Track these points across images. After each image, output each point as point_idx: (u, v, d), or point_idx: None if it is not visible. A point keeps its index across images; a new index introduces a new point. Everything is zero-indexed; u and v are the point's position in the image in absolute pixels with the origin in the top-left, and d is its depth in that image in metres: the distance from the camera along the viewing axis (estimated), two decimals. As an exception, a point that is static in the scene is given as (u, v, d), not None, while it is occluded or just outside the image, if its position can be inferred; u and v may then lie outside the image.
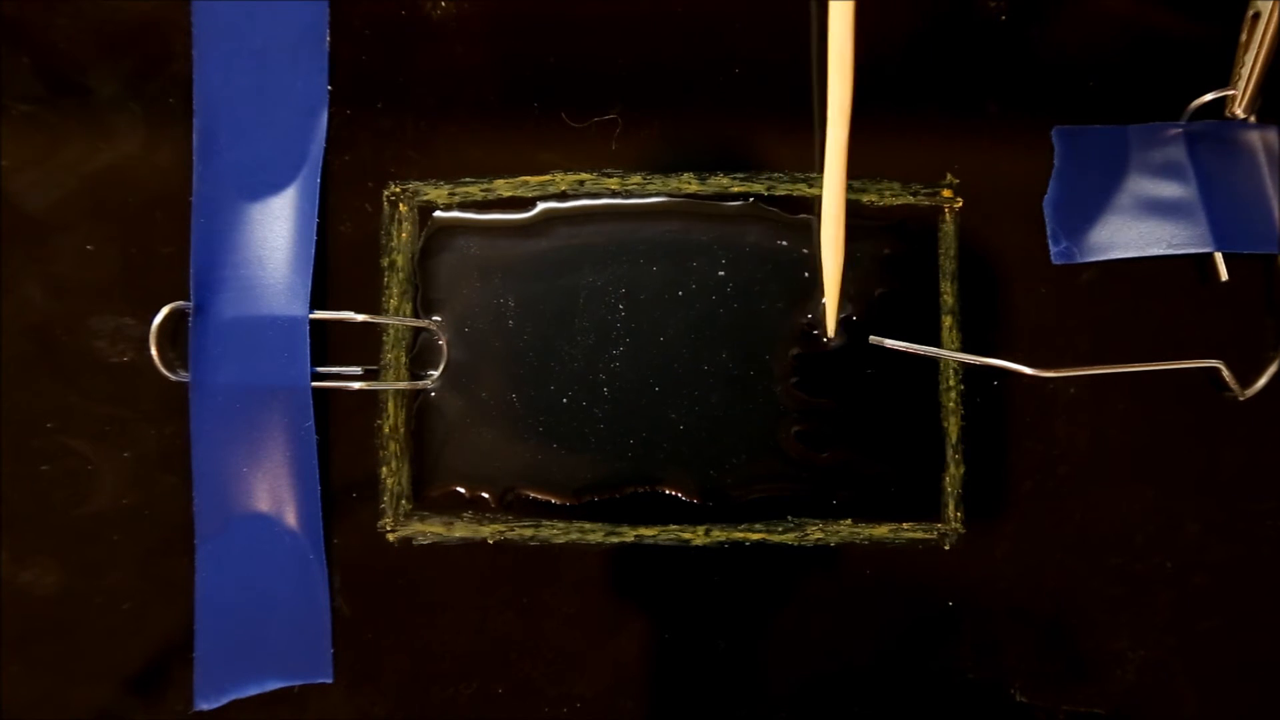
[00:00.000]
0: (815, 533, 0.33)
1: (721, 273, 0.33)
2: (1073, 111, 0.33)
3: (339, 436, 0.33)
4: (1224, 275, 0.32)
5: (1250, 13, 0.32)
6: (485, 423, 0.33)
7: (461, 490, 0.33)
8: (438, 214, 0.33)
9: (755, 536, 0.33)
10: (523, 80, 0.33)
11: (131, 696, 0.32)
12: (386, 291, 0.33)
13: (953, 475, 0.33)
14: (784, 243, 0.33)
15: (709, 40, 0.33)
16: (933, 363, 0.33)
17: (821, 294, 0.32)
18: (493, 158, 0.33)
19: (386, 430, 0.33)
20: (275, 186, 0.32)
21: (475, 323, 0.33)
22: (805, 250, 0.33)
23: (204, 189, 0.32)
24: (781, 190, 0.33)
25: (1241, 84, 0.32)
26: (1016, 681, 0.33)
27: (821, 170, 0.30)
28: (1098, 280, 0.33)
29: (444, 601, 0.33)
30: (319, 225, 0.32)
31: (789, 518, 0.33)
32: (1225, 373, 0.32)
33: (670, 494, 0.33)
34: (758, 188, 0.33)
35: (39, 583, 0.32)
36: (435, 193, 0.33)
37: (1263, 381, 0.32)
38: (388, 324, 0.33)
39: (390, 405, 0.33)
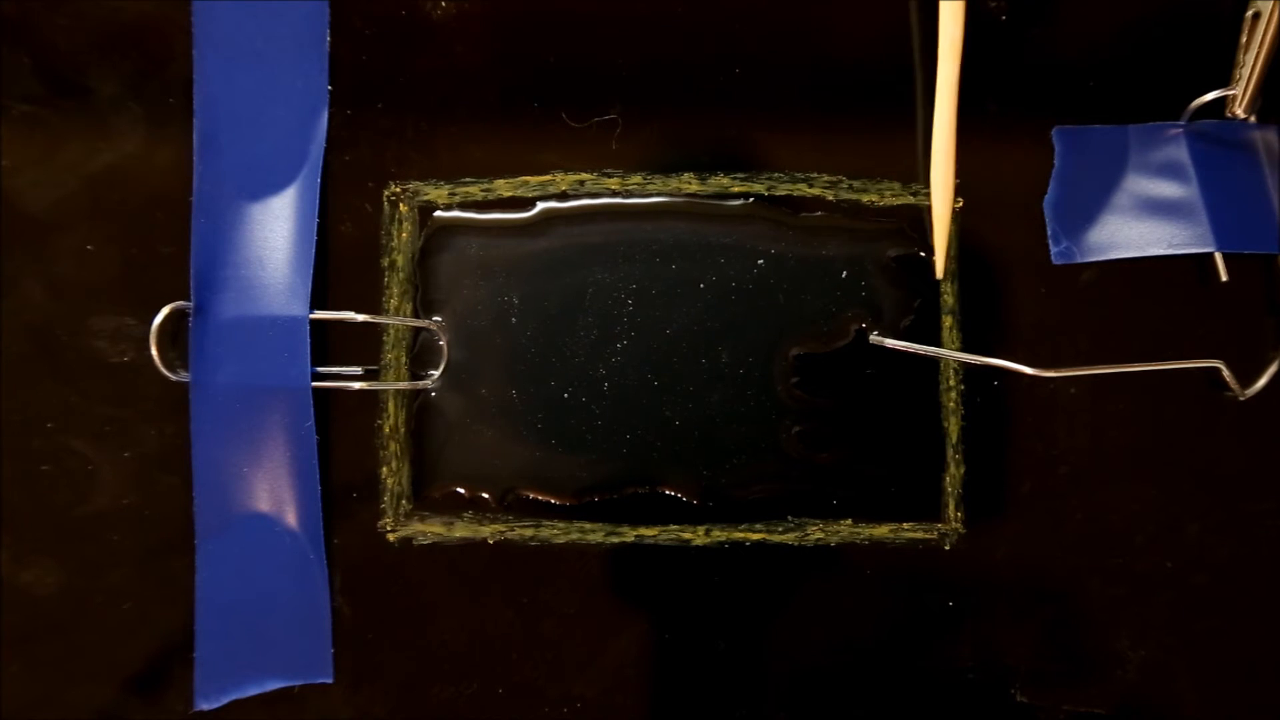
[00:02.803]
0: (815, 533, 0.33)
1: (721, 273, 0.33)
2: (1073, 111, 0.33)
3: (339, 436, 0.33)
4: (1224, 275, 0.32)
5: (1250, 13, 0.32)
6: (485, 423, 0.33)
7: (461, 490, 0.33)
8: (438, 214, 0.33)
9: (755, 536, 0.33)
10: (523, 80, 0.33)
11: (131, 696, 0.32)
12: (386, 291, 0.33)
13: (953, 475, 0.33)
14: (784, 242, 0.33)
15: (709, 40, 0.33)
16: (933, 363, 0.33)
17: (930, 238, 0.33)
18: (493, 158, 0.33)
19: (386, 430, 0.33)
20: (275, 186, 0.32)
21: (475, 323, 0.33)
22: (805, 249, 0.33)
23: (204, 189, 0.32)
24: (782, 190, 0.33)
25: (1241, 84, 0.32)
26: (1016, 681, 0.33)
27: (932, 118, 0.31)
28: (1098, 280, 0.33)
29: (444, 601, 0.33)
30: (319, 225, 0.32)
31: (789, 518, 0.33)
32: (1225, 373, 0.32)
33: (670, 494, 0.33)
34: (758, 188, 0.33)
35: (39, 583, 0.32)
36: (435, 193, 0.33)
37: (1263, 381, 0.32)
38: (388, 324, 0.33)
39: (390, 405, 0.33)
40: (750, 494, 0.33)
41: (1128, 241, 0.33)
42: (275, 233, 0.32)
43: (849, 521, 0.33)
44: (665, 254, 0.33)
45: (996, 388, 0.33)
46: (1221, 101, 0.33)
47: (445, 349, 0.33)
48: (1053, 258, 0.33)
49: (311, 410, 0.31)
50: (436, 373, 0.33)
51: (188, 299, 0.32)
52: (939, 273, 0.33)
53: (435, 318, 0.33)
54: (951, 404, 0.33)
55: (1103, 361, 0.33)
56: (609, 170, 0.33)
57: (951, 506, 0.33)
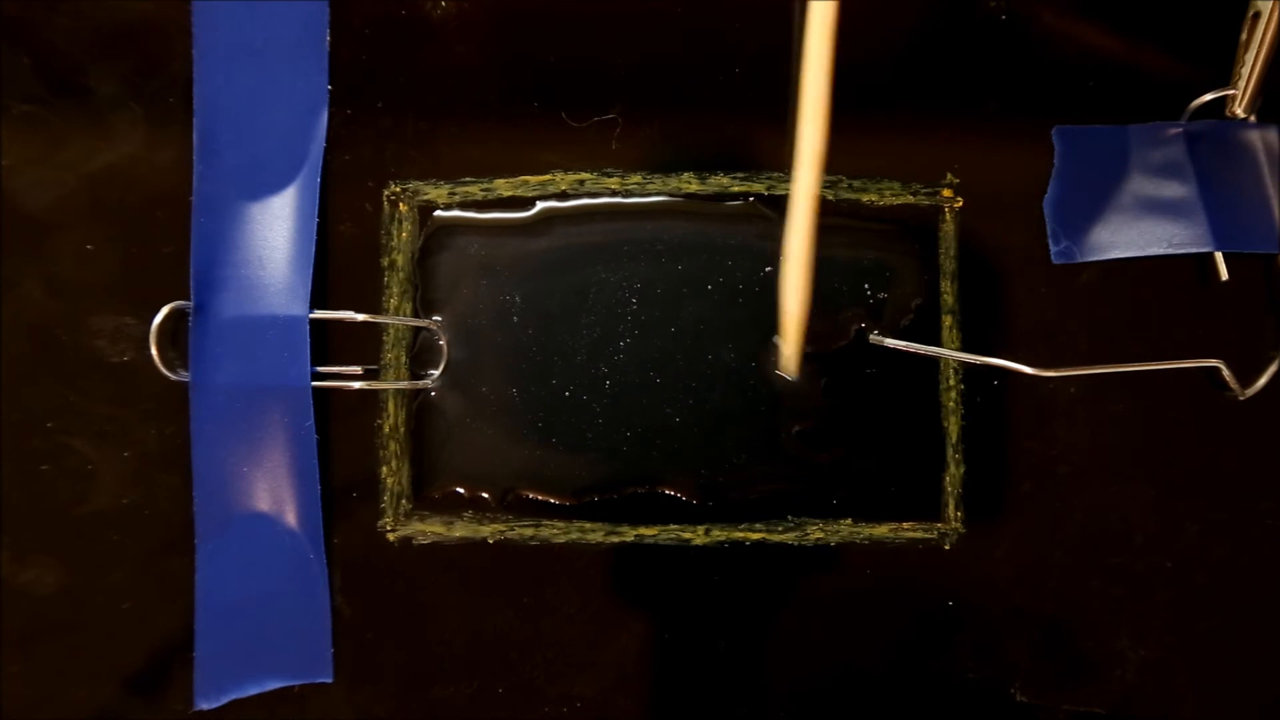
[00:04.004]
0: (815, 533, 0.33)
1: (721, 272, 0.33)
2: (1073, 111, 0.33)
3: (339, 436, 0.33)
4: (1224, 275, 0.32)
5: (1250, 13, 0.32)
6: (485, 422, 0.33)
7: (461, 490, 0.33)
8: (438, 213, 0.33)
9: (755, 536, 0.33)
10: (523, 80, 0.33)
11: (131, 696, 0.32)
12: (386, 291, 0.33)
13: (953, 475, 0.33)
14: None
15: (709, 40, 0.33)
16: (933, 363, 0.33)
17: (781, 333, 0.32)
18: (493, 157, 0.33)
19: (386, 430, 0.33)
20: (275, 186, 0.32)
21: (475, 322, 0.33)
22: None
23: (204, 189, 0.32)
24: (781, 190, 0.33)
25: (1241, 84, 0.33)
26: (1016, 681, 0.33)
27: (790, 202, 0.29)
28: (1098, 280, 0.33)
29: (444, 601, 0.33)
30: (319, 225, 0.32)
31: (789, 518, 0.33)
32: (1225, 373, 0.32)
33: (670, 494, 0.33)
34: (758, 188, 0.33)
35: (39, 582, 0.32)
36: (435, 192, 0.33)
37: (1263, 381, 0.32)
38: (388, 324, 0.33)
39: (390, 405, 0.33)
40: (750, 493, 0.33)
41: (1128, 241, 0.33)
42: (275, 232, 0.32)
43: (849, 521, 0.33)
44: (665, 253, 0.33)
45: (996, 388, 0.33)
46: (1221, 101, 0.33)
47: (445, 348, 0.33)
48: (1053, 257, 0.33)
49: (311, 410, 0.31)
50: (436, 372, 0.33)
51: (188, 299, 0.32)
52: (792, 369, 0.32)
53: (435, 317, 0.33)
54: (951, 404, 0.33)
55: (1103, 361, 0.33)
56: (609, 170, 0.33)
57: (951, 506, 0.33)
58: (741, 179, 0.33)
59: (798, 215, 0.29)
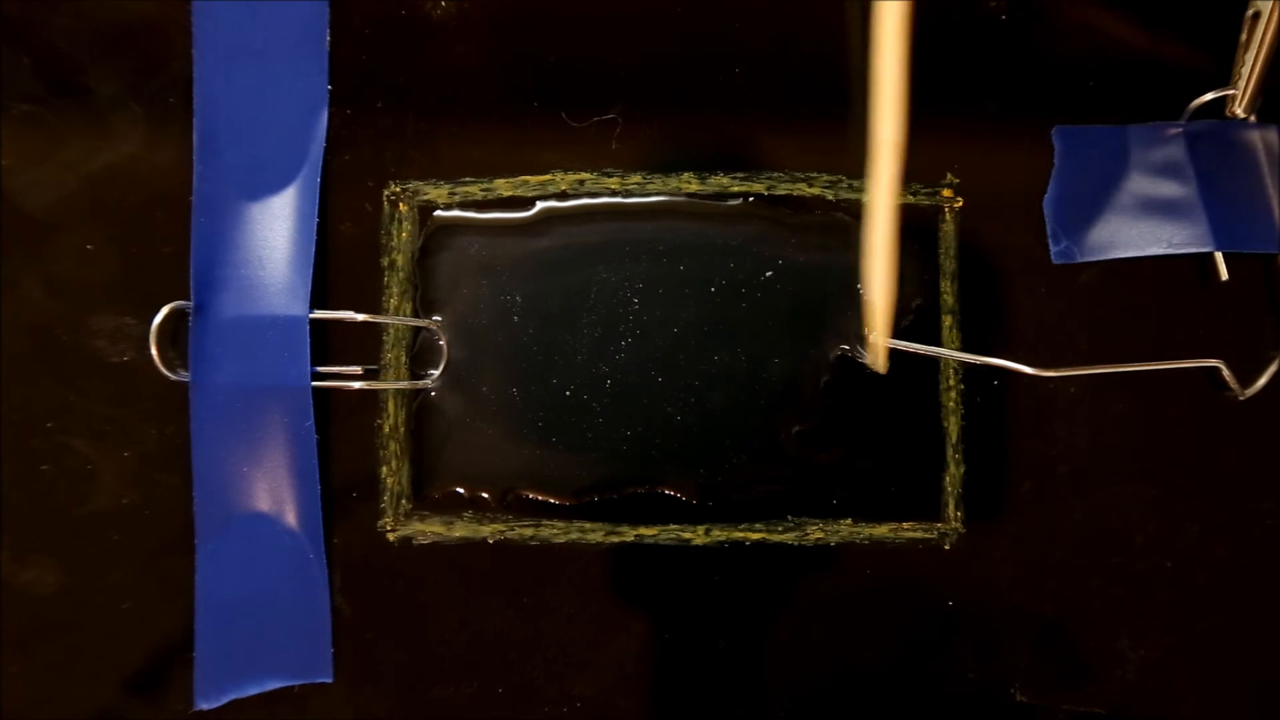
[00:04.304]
0: (815, 533, 0.33)
1: (721, 272, 0.33)
2: (1073, 111, 0.33)
3: (339, 436, 0.33)
4: (1224, 275, 0.32)
5: (1250, 13, 0.32)
6: (485, 422, 0.33)
7: (461, 490, 0.33)
8: (438, 213, 0.33)
9: (755, 536, 0.33)
10: (523, 80, 0.33)
11: (131, 696, 0.32)
12: (386, 291, 0.33)
13: (953, 475, 0.33)
14: (784, 242, 0.33)
15: (709, 40, 0.33)
16: (933, 362, 0.33)
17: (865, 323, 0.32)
18: (493, 157, 0.33)
19: (386, 430, 0.33)
20: (275, 186, 0.32)
21: (475, 322, 0.33)
22: (804, 249, 0.33)
23: (204, 189, 0.32)
24: (781, 190, 0.33)
25: (1241, 84, 0.33)
26: (1016, 681, 0.33)
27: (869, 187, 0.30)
28: (1098, 280, 0.33)
29: (444, 601, 0.33)
30: (319, 225, 0.32)
31: (789, 517, 0.33)
32: (1225, 373, 0.32)
33: (670, 494, 0.33)
34: (758, 188, 0.33)
35: (39, 582, 0.32)
36: (435, 192, 0.33)
37: (1263, 381, 0.32)
38: (388, 324, 0.33)
39: (390, 405, 0.33)
40: (750, 493, 0.33)
41: (1128, 241, 0.33)
42: (275, 232, 0.32)
43: (849, 521, 0.33)
44: (664, 254, 0.33)
45: (996, 388, 0.33)
46: (1221, 101, 0.33)
47: (445, 348, 0.33)
48: (1053, 257, 0.33)
49: (311, 410, 0.31)
50: (436, 372, 0.33)
51: (188, 299, 0.32)
52: (881, 365, 0.32)
53: (435, 317, 0.33)
54: (951, 404, 0.33)
55: (1103, 361, 0.33)
56: (609, 170, 0.33)
57: (951, 506, 0.33)
58: (741, 179, 0.33)
59: (879, 207, 0.29)
